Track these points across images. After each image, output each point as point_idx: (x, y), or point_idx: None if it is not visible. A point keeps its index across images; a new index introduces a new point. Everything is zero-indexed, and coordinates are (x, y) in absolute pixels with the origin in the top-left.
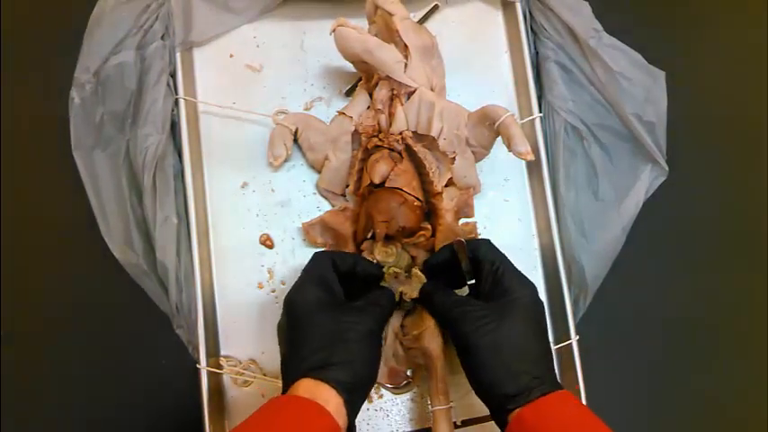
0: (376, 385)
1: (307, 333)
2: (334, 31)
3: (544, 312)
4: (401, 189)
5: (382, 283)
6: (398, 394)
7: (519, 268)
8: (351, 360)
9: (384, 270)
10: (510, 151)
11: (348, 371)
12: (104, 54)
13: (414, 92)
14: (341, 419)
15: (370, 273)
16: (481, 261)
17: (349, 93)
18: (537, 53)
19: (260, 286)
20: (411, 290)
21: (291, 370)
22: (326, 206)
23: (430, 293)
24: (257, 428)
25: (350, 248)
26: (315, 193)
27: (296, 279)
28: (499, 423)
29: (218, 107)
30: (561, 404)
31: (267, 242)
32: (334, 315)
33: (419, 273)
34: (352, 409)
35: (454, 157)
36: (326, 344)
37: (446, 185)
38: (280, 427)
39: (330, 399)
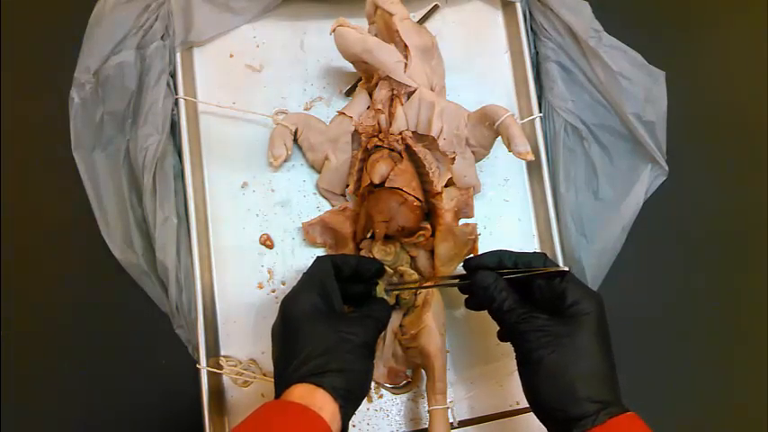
0: (376, 385)
1: (303, 339)
2: (334, 31)
3: (608, 326)
4: (401, 189)
5: (378, 291)
6: (398, 394)
7: None
8: (347, 369)
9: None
10: (510, 151)
11: (344, 378)
12: (104, 54)
13: (414, 92)
14: (335, 426)
15: (372, 272)
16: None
17: (349, 93)
18: (537, 53)
19: (260, 286)
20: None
21: (286, 374)
22: (326, 206)
23: (500, 301)
24: None
25: (349, 248)
26: (315, 193)
27: (296, 280)
28: None
29: (217, 107)
30: (629, 428)
31: (267, 242)
32: (330, 324)
33: (409, 270)
34: (346, 416)
35: (454, 157)
36: (323, 351)
37: (446, 185)
38: None
39: (325, 405)
